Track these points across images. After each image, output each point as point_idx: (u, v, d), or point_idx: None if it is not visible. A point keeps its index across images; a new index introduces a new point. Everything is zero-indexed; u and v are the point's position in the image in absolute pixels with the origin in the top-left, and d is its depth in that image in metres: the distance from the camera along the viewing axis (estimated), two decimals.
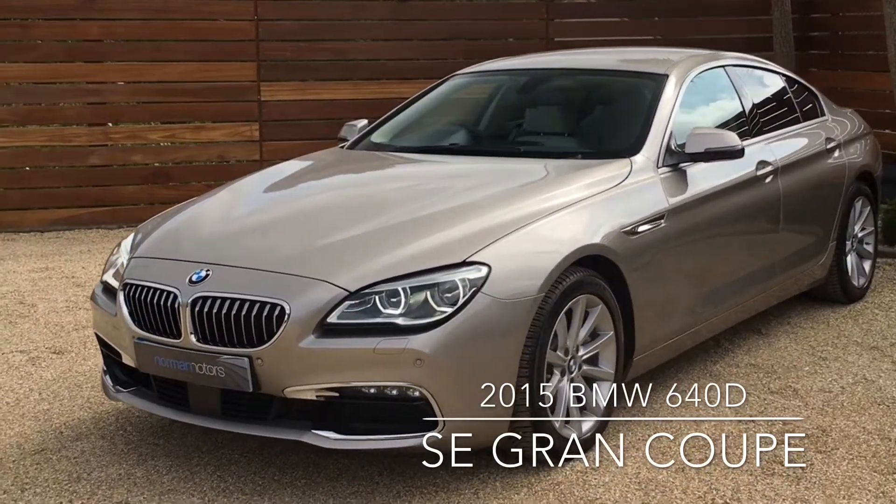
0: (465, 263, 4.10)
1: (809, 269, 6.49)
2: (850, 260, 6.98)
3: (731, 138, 5.20)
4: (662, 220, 4.95)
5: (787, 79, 6.83)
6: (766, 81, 6.59)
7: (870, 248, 7.23)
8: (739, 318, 5.98)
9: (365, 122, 6.21)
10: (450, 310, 4.00)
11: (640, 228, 4.79)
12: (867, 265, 7.18)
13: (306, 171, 5.52)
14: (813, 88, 7.08)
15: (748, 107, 6.09)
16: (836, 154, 6.73)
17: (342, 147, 6.00)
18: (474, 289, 4.04)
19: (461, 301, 4.02)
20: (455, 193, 4.70)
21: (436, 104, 6.22)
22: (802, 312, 6.77)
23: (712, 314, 5.48)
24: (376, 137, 5.98)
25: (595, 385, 4.66)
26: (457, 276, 4.05)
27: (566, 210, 4.55)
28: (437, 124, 6.10)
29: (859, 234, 7.11)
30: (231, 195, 5.13)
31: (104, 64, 10.22)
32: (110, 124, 10.37)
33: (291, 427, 4.05)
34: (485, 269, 4.09)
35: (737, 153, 5.20)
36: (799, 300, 6.90)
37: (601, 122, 5.66)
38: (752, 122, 6.06)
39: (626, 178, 4.92)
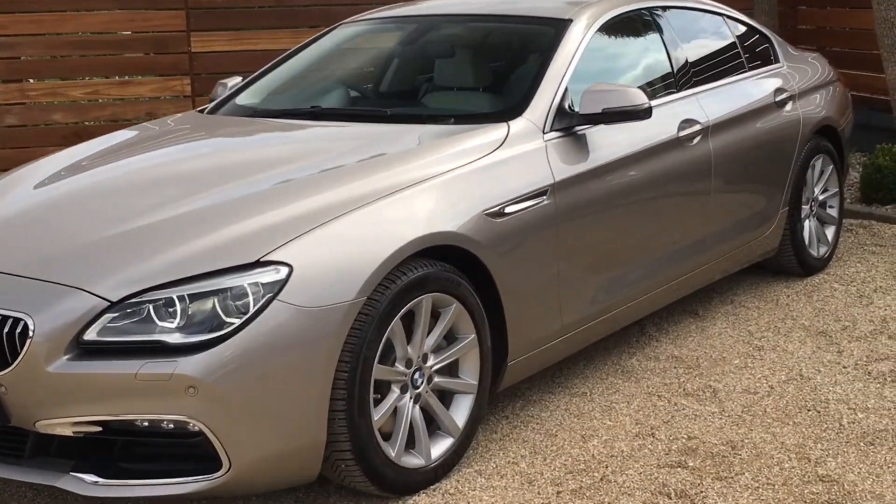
0: (258, 264, 3.31)
1: (755, 240, 5.66)
2: (809, 227, 6.14)
3: (635, 96, 4.36)
4: (545, 197, 4.13)
5: (734, 21, 5.94)
6: (703, 25, 5.71)
7: (833, 213, 6.37)
8: (666, 301, 5.17)
9: (238, 79, 5.39)
10: (238, 322, 3.22)
11: (511, 209, 3.97)
12: (830, 232, 6.33)
13: (131, 141, 4.72)
14: (766, 31, 6.18)
15: (677, 56, 5.23)
16: (789, 107, 5.85)
17: (202, 110, 5.19)
18: (269, 295, 3.26)
19: (251, 312, 3.23)
20: (278, 172, 3.89)
21: (316, 58, 5.39)
22: (750, 288, 5.95)
23: (621, 302, 4.67)
24: (243, 98, 5.17)
25: (455, 399, 3.87)
26: (246, 279, 3.27)
27: (411, 190, 3.75)
28: (312, 83, 5.28)
29: (820, 197, 6.25)
30: (26, 173, 4.33)
31: (15, 15, 9.41)
32: (32, 80, 9.58)
33: (48, 469, 3.30)
34: (284, 271, 3.30)
35: (642, 113, 4.35)
36: (751, 273, 6.09)
37: (486, 78, 4.83)
38: (681, 74, 5.20)
39: (499, 147, 4.10)
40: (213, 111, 5.12)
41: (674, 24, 5.38)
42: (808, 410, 4.35)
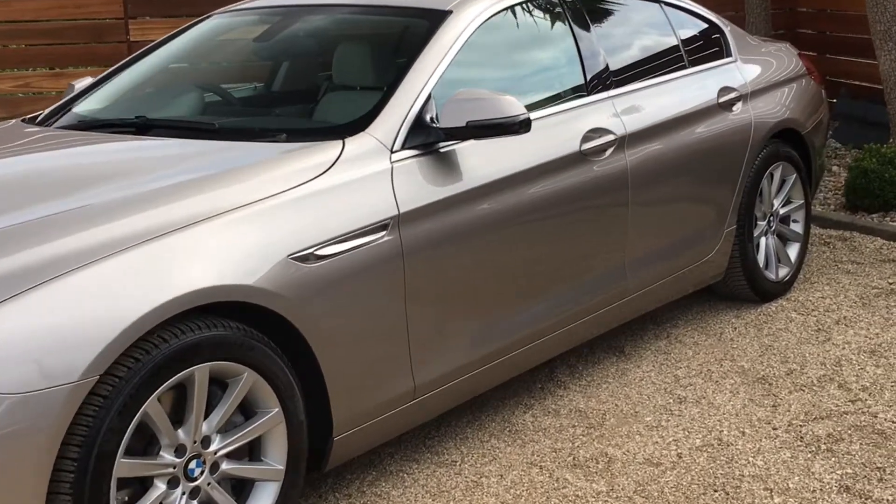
0: None
1: (694, 264, 4.85)
2: (766, 246, 5.32)
3: (508, 105, 3.57)
4: (385, 232, 3.36)
5: (675, 9, 5.11)
6: (631, 15, 4.90)
7: (798, 228, 5.54)
8: (579, 340, 4.39)
9: (88, 80, 4.65)
10: None
11: (330, 250, 3.21)
12: (793, 251, 5.50)
13: None
14: (718, 20, 5.35)
15: (591, 54, 4.42)
16: (737, 108, 5.03)
17: (32, 118, 4.44)
18: None
19: None
20: (38, 207, 3.14)
21: (175, 56, 4.62)
22: (694, 318, 5.15)
23: (508, 348, 3.91)
24: (83, 106, 4.42)
25: (255, 489, 3.13)
26: None
27: (192, 230, 3.00)
28: (164, 86, 4.51)
29: (781, 211, 5.42)
30: None
31: None
32: None
33: None
34: None
35: (516, 126, 3.57)
36: (700, 299, 5.30)
37: (337, 84, 4.05)
38: (595, 75, 4.39)
39: (325, 171, 3.34)
40: (45, 120, 4.37)
41: (592, 14, 4.57)
42: (715, 491, 3.55)
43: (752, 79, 5.24)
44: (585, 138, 4.16)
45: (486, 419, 4.15)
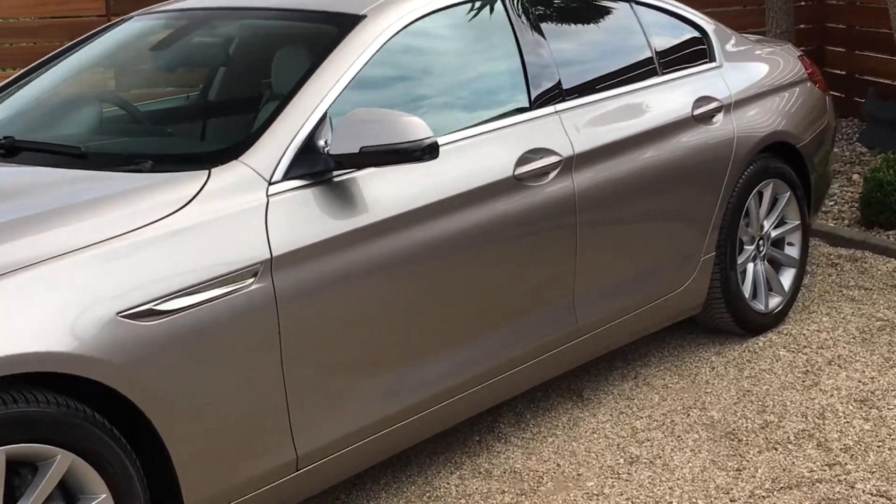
0: None
1: (666, 297, 4.30)
2: (755, 273, 4.75)
3: (410, 128, 3.06)
4: (254, 279, 2.86)
5: (648, 8, 4.54)
6: (592, 17, 4.35)
7: (794, 252, 4.95)
8: (515, 391, 3.86)
9: None
10: None
11: (175, 304, 2.73)
12: (787, 278, 4.92)
13: None
14: (702, 20, 4.78)
15: (539, 62, 3.88)
16: (718, 120, 4.46)
17: None
18: None
19: None
20: None
21: (84, 63, 4.15)
22: (670, 354, 4.61)
23: (418, 406, 3.39)
24: None
25: None
26: None
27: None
28: (61, 98, 4.04)
29: (773, 234, 4.84)
30: None
31: None
32: None
33: None
34: None
35: (419, 152, 3.05)
36: (682, 330, 4.75)
37: (226, 100, 3.54)
38: (543, 86, 3.85)
39: (180, 209, 2.85)
40: None
41: (544, 16, 4.03)
42: None
43: (739, 86, 4.66)
44: (522, 161, 3.63)
45: (407, 481, 3.64)
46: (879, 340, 4.62)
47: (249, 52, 3.80)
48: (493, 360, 3.63)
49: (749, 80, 4.75)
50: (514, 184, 3.58)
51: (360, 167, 3.13)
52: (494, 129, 3.62)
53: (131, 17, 4.25)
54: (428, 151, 3.09)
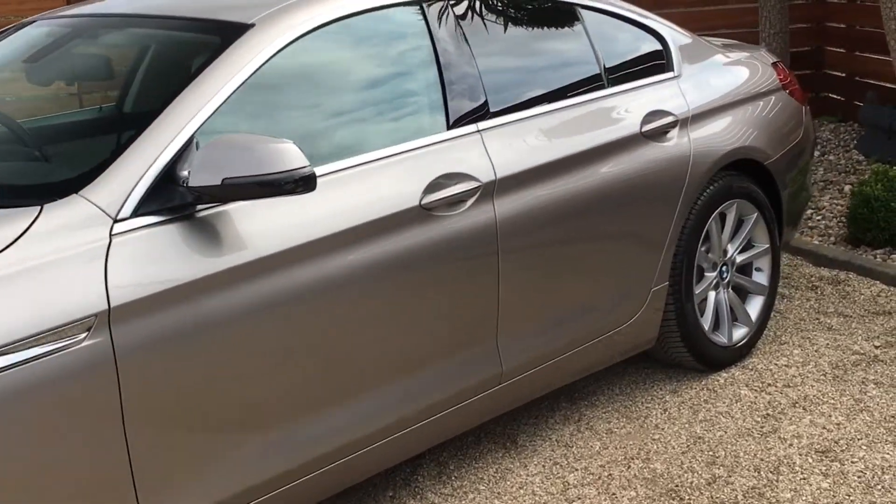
0: None
1: (610, 332, 3.90)
2: (717, 302, 4.33)
3: (281, 157, 2.67)
4: (86, 335, 2.51)
5: (596, 13, 4.12)
6: (530, 24, 3.93)
7: (762, 279, 4.52)
8: (428, 444, 3.46)
9: None
10: None
11: None
12: (755, 306, 4.50)
13: None
14: (659, 26, 4.36)
15: (457, 75, 3.47)
16: (671, 137, 4.05)
17: None
18: None
19: None
20: None
21: None
22: (622, 392, 4.24)
23: (308, 466, 3.00)
24: None
25: None
26: None
27: None
28: None
29: (738, 259, 4.41)
30: None
31: None
32: None
33: None
34: None
35: (289, 185, 2.65)
36: (639, 364, 4.33)
37: (83, 122, 3.16)
38: (463, 103, 3.45)
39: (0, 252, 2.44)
40: None
41: (470, 24, 3.61)
42: None
43: (699, 98, 4.24)
44: (432, 188, 3.22)
45: None
46: (852, 378, 4.20)
47: (118, 67, 3.40)
48: (401, 410, 3.24)
49: (711, 92, 4.33)
50: (420, 214, 3.18)
51: (223, 201, 2.73)
52: (400, 153, 3.22)
53: (34, 21, 3.87)
54: (302, 183, 2.69)
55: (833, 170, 7.14)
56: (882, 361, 4.34)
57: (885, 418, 3.87)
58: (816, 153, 7.54)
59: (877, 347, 4.48)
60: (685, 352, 4.23)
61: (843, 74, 8.49)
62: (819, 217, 6.21)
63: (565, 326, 3.72)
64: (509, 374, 3.54)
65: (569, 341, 3.76)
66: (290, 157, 2.68)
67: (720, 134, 4.25)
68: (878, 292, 5.11)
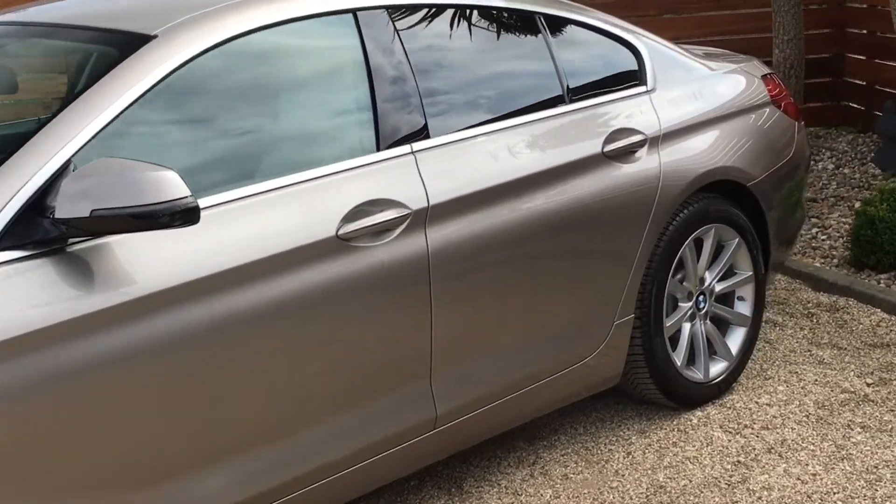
0: None
1: (569, 368, 3.60)
2: (693, 335, 4.01)
3: (157, 186, 2.41)
4: None
5: (561, 22, 3.80)
6: (483, 34, 3.63)
7: (745, 309, 4.19)
8: (351, 495, 3.16)
9: None
10: None
11: None
12: (736, 339, 4.18)
13: None
14: (631, 35, 4.04)
15: (393, 92, 3.18)
16: (640, 156, 3.74)
17: None
18: None
19: None
20: None
21: None
22: (585, 432, 3.95)
23: None
24: None
25: None
26: None
27: None
28: None
29: (717, 288, 4.08)
30: None
31: None
32: None
33: None
34: None
35: (165, 218, 2.38)
36: (612, 398, 4.02)
37: None
38: (397, 122, 3.15)
39: None
40: None
41: (411, 34, 3.32)
42: None
43: (673, 115, 3.92)
44: (353, 216, 2.93)
45: None
46: (837, 421, 3.85)
47: (11, 82, 3.14)
48: (321, 458, 2.95)
49: (689, 107, 4.01)
50: (336, 245, 2.88)
51: (93, 234, 2.46)
52: (317, 178, 2.93)
53: None
54: (182, 216, 2.41)
55: (846, 184, 6.76)
56: (872, 401, 3.99)
57: (866, 468, 3.53)
58: (830, 166, 7.17)
59: (868, 385, 4.14)
60: (654, 389, 3.91)
61: (864, 83, 8.09)
62: (824, 237, 5.85)
63: (512, 365, 3.41)
64: (445, 417, 3.24)
65: (517, 380, 3.45)
66: (170, 186, 2.40)
67: (696, 153, 3.93)
68: (877, 321, 4.75)
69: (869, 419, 3.87)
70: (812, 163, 7.23)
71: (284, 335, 2.80)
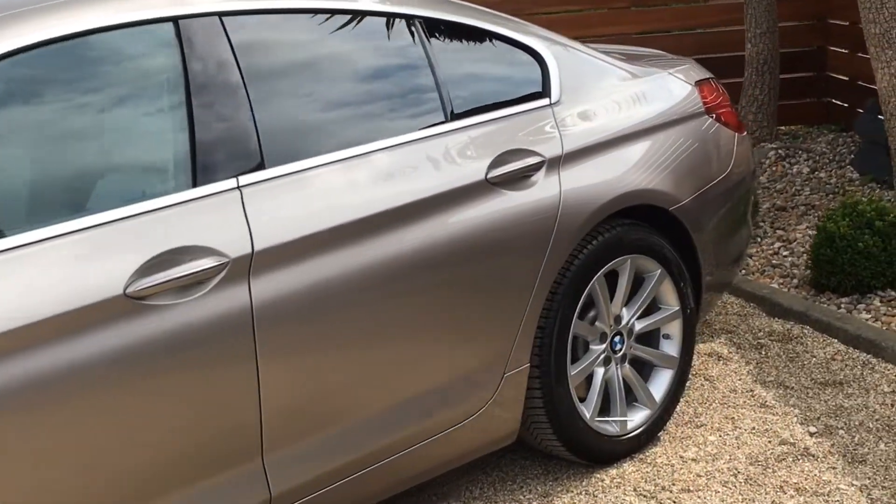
0: None
1: (439, 434, 3.08)
2: (608, 381, 3.51)
3: None
4: None
5: (444, 27, 3.29)
6: (345, 45, 3.13)
7: (671, 349, 3.68)
8: None
9: None
10: None
11: None
12: (661, 383, 3.69)
13: None
14: (533, 40, 3.52)
15: (221, 120, 2.69)
16: (536, 181, 3.24)
17: None
18: None
19: None
20: None
21: None
22: (480, 495, 3.46)
23: None
24: None
25: None
26: None
27: None
28: None
29: (637, 327, 3.57)
30: None
31: None
32: None
33: None
34: None
35: None
36: (515, 455, 3.54)
37: None
38: (221, 152, 2.67)
39: None
40: None
41: (248, 48, 2.81)
42: None
43: (580, 131, 3.41)
44: (149, 268, 2.44)
45: None
46: (768, 482, 3.35)
47: None
48: None
49: (601, 121, 3.50)
50: (125, 304, 2.40)
51: None
52: (104, 224, 2.44)
53: None
54: None
55: (821, 190, 6.23)
56: (812, 456, 3.49)
57: None
58: (805, 170, 6.64)
59: (811, 435, 3.63)
60: (559, 445, 3.42)
61: (847, 78, 7.54)
62: (787, 252, 5.33)
63: (375, 429, 2.93)
64: (282, 499, 2.74)
65: (386, 445, 2.97)
66: None
67: (607, 175, 3.43)
68: (832, 354, 4.25)
69: (805, 479, 3.37)
70: (786, 166, 6.71)
71: (61, 412, 2.32)
